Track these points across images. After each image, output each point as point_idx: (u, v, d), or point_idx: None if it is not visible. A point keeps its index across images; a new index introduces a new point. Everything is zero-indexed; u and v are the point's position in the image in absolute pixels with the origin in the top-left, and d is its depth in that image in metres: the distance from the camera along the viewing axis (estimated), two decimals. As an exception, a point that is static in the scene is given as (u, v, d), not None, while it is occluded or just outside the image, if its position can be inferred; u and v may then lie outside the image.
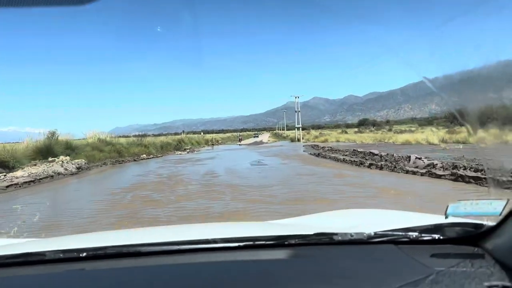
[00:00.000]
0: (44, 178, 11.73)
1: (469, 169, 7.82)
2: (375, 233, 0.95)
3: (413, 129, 52.14)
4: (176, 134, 48.59)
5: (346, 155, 15.43)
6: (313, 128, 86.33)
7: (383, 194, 6.76)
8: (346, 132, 59.54)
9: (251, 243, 0.97)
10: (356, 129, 73.10)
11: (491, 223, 0.83)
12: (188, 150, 30.30)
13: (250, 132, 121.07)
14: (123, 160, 20.13)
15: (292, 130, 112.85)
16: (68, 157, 18.98)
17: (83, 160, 16.65)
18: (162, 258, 0.92)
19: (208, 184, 9.13)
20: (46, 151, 18.73)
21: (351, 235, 0.95)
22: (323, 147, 22.15)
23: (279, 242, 0.97)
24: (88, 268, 0.89)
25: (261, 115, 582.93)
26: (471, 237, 0.87)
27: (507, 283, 0.67)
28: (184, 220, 5.32)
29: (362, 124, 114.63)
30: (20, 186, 10.29)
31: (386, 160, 11.57)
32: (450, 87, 0.93)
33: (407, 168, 9.61)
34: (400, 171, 9.59)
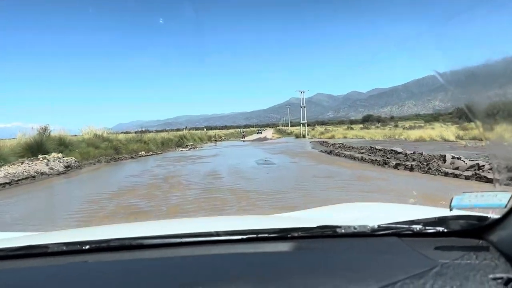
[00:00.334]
0: (24, 179, 10.38)
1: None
2: (378, 226, 0.94)
3: (421, 125, 50.48)
4: (178, 130, 47.38)
5: (362, 153, 13.97)
6: (315, 124, 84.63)
7: (433, 205, 5.29)
8: (352, 128, 58.15)
9: (254, 235, 0.96)
10: (361, 125, 71.71)
11: (495, 216, 0.81)
12: (189, 147, 28.98)
13: (253, 128, 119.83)
14: (119, 158, 18.78)
15: (296, 126, 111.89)
16: (60, 154, 17.74)
17: (73, 158, 15.30)
18: (165, 251, 0.93)
19: (209, 189, 7.72)
20: (36, 147, 17.42)
21: (354, 228, 0.94)
22: (333, 144, 20.65)
23: (282, 235, 0.97)
24: (91, 261, 0.89)
25: (264, 111, 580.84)
26: (475, 229, 0.86)
27: None
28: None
29: (367, 120, 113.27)
30: (-11, 189, 8.92)
31: (414, 160, 10.10)
32: (460, 82, 0.91)
33: (445, 169, 8.13)
34: (436, 173, 8.11)
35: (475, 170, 7.49)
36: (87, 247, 0.92)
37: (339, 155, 14.28)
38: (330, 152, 15.56)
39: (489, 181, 6.70)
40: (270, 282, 0.71)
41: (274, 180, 8.55)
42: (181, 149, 26.88)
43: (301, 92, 48.48)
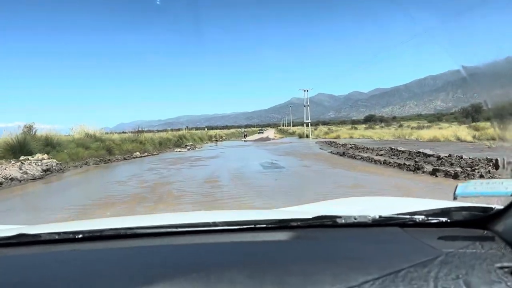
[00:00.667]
0: (-12, 186, 8.77)
1: None
2: (380, 216, 0.92)
3: (429, 125, 48.75)
4: (179, 130, 45.89)
5: (381, 155, 12.33)
6: (317, 124, 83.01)
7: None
8: (356, 128, 56.72)
9: (252, 226, 0.94)
10: (365, 125, 70.20)
11: (500, 206, 0.79)
12: (188, 147, 27.37)
13: (255, 128, 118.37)
14: (109, 159, 17.15)
15: (298, 126, 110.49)
16: (45, 156, 16.19)
17: (55, 161, 13.69)
18: (159, 239, 0.91)
19: (206, 202, 6.08)
20: (19, 148, 15.84)
21: (355, 218, 0.92)
22: (343, 144, 18.99)
23: (281, 225, 0.95)
24: (84, 249, 0.88)
25: (265, 111, 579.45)
26: (479, 220, 0.85)
27: None
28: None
29: (369, 120, 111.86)
30: None
31: (452, 164, 8.46)
32: (480, 78, 0.90)
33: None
34: (492, 182, 6.42)
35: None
36: (80, 236, 0.91)
37: (354, 157, 12.63)
38: (343, 154, 13.91)
39: None
40: (266, 270, 0.68)
41: (287, 191, 6.91)
42: (179, 149, 25.29)
43: (305, 91, 46.84)
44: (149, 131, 44.83)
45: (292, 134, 61.53)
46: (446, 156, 9.26)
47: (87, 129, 22.41)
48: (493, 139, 18.87)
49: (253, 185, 7.77)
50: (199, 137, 41.61)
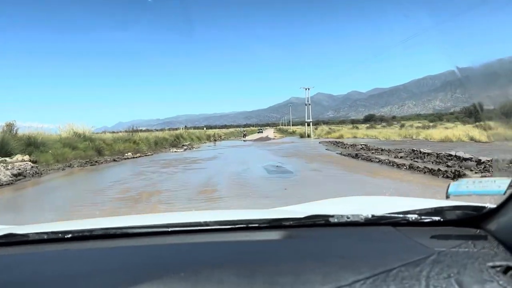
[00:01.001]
0: None
1: None
2: (372, 216, 0.92)
3: (432, 124, 47.37)
4: (177, 129, 44.43)
5: (402, 157, 10.88)
6: (317, 124, 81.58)
7: None
8: (357, 128, 55.40)
9: (244, 225, 0.93)
10: (366, 125, 68.89)
11: (492, 205, 0.80)
12: (185, 147, 25.89)
13: (254, 128, 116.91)
14: (97, 161, 15.64)
15: (297, 125, 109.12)
16: (26, 157, 14.70)
17: (30, 163, 12.18)
18: (150, 239, 0.90)
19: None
20: (-3, 148, 14.39)
21: (348, 217, 0.92)
22: (352, 145, 17.53)
23: (273, 224, 0.95)
24: (73, 248, 0.87)
25: (264, 111, 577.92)
26: (472, 219, 0.85)
27: None
28: None
29: (369, 120, 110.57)
30: None
31: (500, 170, 6.97)
32: (477, 79, 0.90)
33: None
34: None
35: None
36: (69, 236, 0.90)
37: (370, 160, 11.17)
38: (356, 156, 12.45)
39: None
40: (256, 269, 0.68)
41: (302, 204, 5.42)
42: (175, 149, 23.79)
43: (306, 89, 45.37)
44: (148, 130, 43.46)
45: (292, 133, 60.08)
46: (488, 161, 7.78)
47: (76, 128, 20.87)
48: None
49: (258, 196, 6.30)
50: (197, 136, 40.11)
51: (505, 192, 0.72)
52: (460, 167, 7.88)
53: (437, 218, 0.89)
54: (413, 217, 0.90)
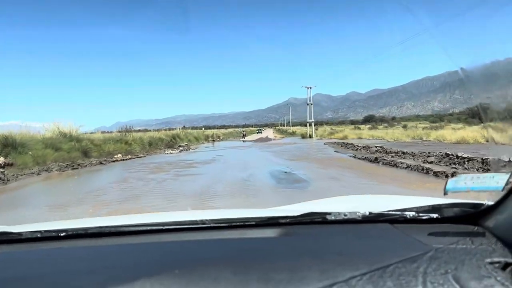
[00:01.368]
0: None
1: None
2: (370, 213, 0.92)
3: (439, 124, 45.81)
4: (175, 129, 42.84)
5: (432, 162, 9.25)
6: (316, 124, 80.00)
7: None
8: (359, 128, 53.98)
9: (240, 223, 0.93)
10: (368, 125, 67.52)
11: (490, 202, 0.79)
12: (182, 148, 24.23)
13: (253, 128, 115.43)
14: (79, 164, 13.94)
15: (297, 126, 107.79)
16: (2, 159, 13.07)
17: (-4, 168, 10.48)
18: (145, 237, 0.89)
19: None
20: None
21: (345, 215, 0.92)
22: (365, 147, 15.87)
23: (270, 222, 0.94)
24: (67, 247, 0.86)
25: (262, 111, 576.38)
26: (470, 216, 0.85)
27: (511, 260, 0.64)
28: None
29: (368, 121, 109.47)
30: None
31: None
32: (479, 79, 0.92)
33: None
34: None
35: None
36: (63, 234, 0.88)
37: (395, 165, 9.52)
38: (375, 160, 10.79)
39: None
40: (252, 266, 0.67)
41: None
42: (170, 151, 22.11)
43: (308, 88, 43.75)
44: (146, 130, 41.89)
45: (293, 134, 58.50)
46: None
47: (62, 127, 19.14)
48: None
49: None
50: (195, 137, 38.42)
51: (503, 188, 0.71)
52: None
53: (434, 215, 0.88)
54: (410, 214, 0.90)
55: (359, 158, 12.16)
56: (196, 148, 24.52)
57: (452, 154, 9.55)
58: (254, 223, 0.93)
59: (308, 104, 43.97)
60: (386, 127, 59.30)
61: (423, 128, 37.60)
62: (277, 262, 0.69)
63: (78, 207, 5.90)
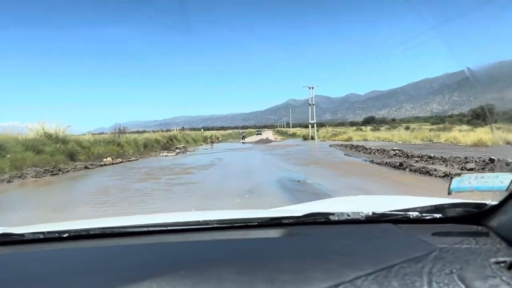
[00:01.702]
0: None
1: None
2: (373, 213, 0.92)
3: (447, 126, 44.36)
4: (173, 130, 41.34)
5: (474, 169, 7.73)
6: (316, 125, 78.32)
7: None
8: (361, 130, 52.66)
9: (243, 224, 0.93)
10: (370, 127, 66.28)
11: (494, 202, 0.78)
12: (178, 151, 22.69)
13: (252, 129, 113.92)
14: (60, 170, 12.36)
15: (296, 127, 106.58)
16: (-27, 163, 11.54)
17: None
18: (149, 238, 0.89)
19: None
20: None
21: (348, 215, 0.92)
22: (380, 150, 14.33)
23: (273, 222, 0.94)
24: (69, 248, 0.86)
25: (261, 113, 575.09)
26: (473, 216, 0.84)
27: None
28: None
29: (368, 122, 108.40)
30: None
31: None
32: (487, 80, 0.91)
33: None
34: None
35: None
36: (66, 235, 0.88)
37: (428, 173, 8.00)
38: (401, 166, 9.26)
39: None
40: (256, 267, 0.67)
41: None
42: (165, 153, 20.57)
43: (309, 88, 42.30)
44: (144, 131, 40.57)
45: (293, 135, 57.08)
46: None
47: (47, 128, 17.54)
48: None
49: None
50: (193, 138, 36.82)
51: (508, 188, 0.71)
52: None
53: (438, 215, 0.87)
54: (414, 214, 0.89)
55: (378, 163, 10.64)
56: (193, 151, 22.99)
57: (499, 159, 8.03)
58: (257, 223, 0.92)
59: (310, 105, 42.49)
60: (388, 128, 58.06)
61: (430, 130, 36.14)
62: (281, 262, 0.68)
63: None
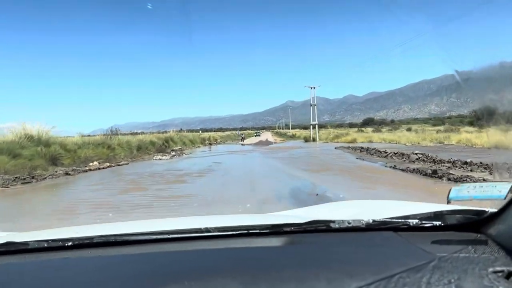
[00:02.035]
0: None
1: None
2: (373, 221, 0.92)
3: (454, 127, 43.01)
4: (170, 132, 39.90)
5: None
6: (329, 126, 76.95)
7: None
8: (362, 131, 51.26)
9: (245, 231, 0.92)
10: (372, 128, 65.01)
11: (493, 209, 0.78)
12: (174, 153, 21.19)
13: (250, 131, 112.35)
14: (34, 177, 10.80)
15: (295, 129, 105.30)
16: None
17: None
18: (151, 246, 0.89)
19: None
20: None
21: (349, 223, 0.92)
22: (398, 154, 12.82)
23: (274, 230, 0.93)
24: (73, 257, 0.86)
25: (259, 114, 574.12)
26: (473, 223, 0.84)
27: None
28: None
29: (367, 123, 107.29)
30: None
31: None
32: (475, 83, 0.92)
33: None
34: None
35: None
36: (69, 244, 0.88)
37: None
38: (435, 174, 7.76)
39: None
40: (259, 276, 0.67)
41: None
42: (160, 156, 19.03)
43: (311, 88, 40.86)
44: (142, 133, 39.20)
45: (293, 137, 55.61)
46: None
47: (29, 129, 15.95)
48: None
49: None
50: (190, 140, 35.26)
51: (506, 196, 0.71)
52: None
53: (437, 223, 0.87)
54: (414, 221, 0.89)
55: (403, 170, 9.14)
56: (190, 153, 21.47)
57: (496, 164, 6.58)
58: (258, 230, 0.92)
59: (311, 105, 41.05)
60: (390, 130, 56.79)
61: (437, 132, 34.74)
62: (283, 272, 0.69)
63: None
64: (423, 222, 0.88)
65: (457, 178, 7.15)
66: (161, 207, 5.78)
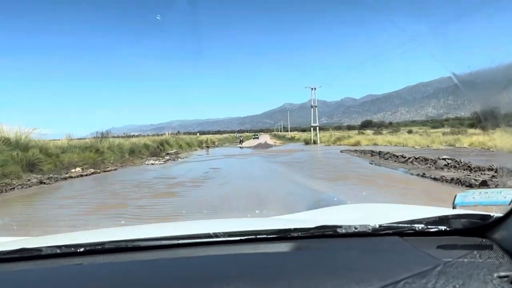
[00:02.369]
0: None
1: None
2: (379, 226, 0.92)
3: (461, 129, 41.81)
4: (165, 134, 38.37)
5: None
6: (330, 128, 75.49)
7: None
8: (363, 133, 49.93)
9: (253, 237, 0.94)
10: (372, 131, 63.77)
11: (498, 214, 0.79)
12: (168, 157, 19.70)
13: (248, 133, 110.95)
14: (6, 185, 9.21)
15: (293, 131, 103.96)
16: None
17: None
18: (161, 252, 0.90)
19: None
20: None
21: (355, 228, 0.92)
22: (419, 158, 11.34)
23: (281, 235, 0.94)
24: (86, 263, 0.87)
25: (257, 117, 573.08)
26: (478, 228, 0.84)
27: None
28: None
29: (366, 126, 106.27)
30: None
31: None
32: (474, 85, 0.88)
33: None
34: None
35: None
36: (82, 249, 0.90)
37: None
38: (484, 185, 6.27)
39: None
40: (268, 282, 0.68)
41: None
42: (152, 161, 17.52)
43: (312, 89, 39.48)
44: (140, 135, 37.80)
45: (292, 139, 54.17)
46: None
47: (5, 131, 14.37)
48: None
49: None
50: (187, 142, 33.71)
51: (511, 202, 0.72)
52: None
53: (443, 228, 0.88)
54: (419, 226, 0.90)
55: (436, 179, 7.66)
56: (186, 157, 19.95)
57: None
58: (266, 236, 0.93)
59: (312, 107, 39.67)
60: (390, 132, 55.49)
61: (443, 134, 33.42)
62: (291, 278, 0.69)
63: None
64: (429, 226, 0.88)
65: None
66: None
